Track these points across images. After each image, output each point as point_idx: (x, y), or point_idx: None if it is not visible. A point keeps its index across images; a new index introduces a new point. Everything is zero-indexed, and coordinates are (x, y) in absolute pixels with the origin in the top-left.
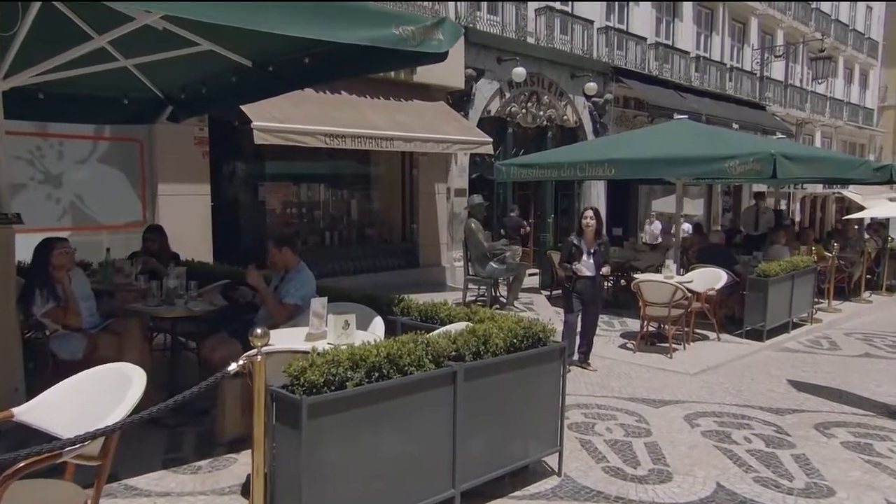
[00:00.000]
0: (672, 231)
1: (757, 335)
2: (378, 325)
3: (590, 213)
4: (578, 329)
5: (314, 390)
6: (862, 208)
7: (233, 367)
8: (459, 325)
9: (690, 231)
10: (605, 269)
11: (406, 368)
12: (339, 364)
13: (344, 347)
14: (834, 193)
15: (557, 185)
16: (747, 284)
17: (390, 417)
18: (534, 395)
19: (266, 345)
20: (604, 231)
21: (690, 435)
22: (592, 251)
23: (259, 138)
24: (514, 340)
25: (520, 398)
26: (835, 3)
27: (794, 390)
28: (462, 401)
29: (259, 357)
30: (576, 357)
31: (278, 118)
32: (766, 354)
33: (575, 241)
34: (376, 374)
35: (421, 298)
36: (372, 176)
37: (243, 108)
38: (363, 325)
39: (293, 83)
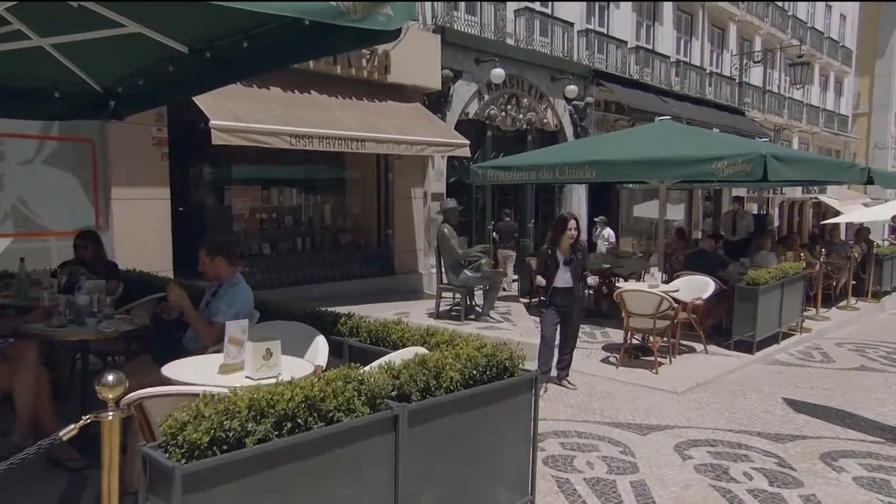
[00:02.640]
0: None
1: (746, 347)
2: (321, 349)
3: (573, 223)
4: (557, 342)
5: (197, 453)
6: (838, 213)
7: (69, 429)
8: (408, 352)
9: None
10: (592, 280)
11: (331, 414)
12: (235, 415)
13: (249, 387)
14: (811, 199)
15: (538, 188)
16: (736, 293)
17: (309, 481)
18: (499, 436)
19: (121, 395)
20: (581, 237)
21: (682, 470)
22: (570, 260)
23: (217, 138)
24: (475, 371)
25: (481, 441)
26: (810, 3)
27: (791, 411)
28: (406, 451)
29: (110, 416)
30: (553, 373)
31: (240, 117)
32: (757, 368)
33: (549, 252)
34: (289, 425)
35: (396, 307)
36: (346, 180)
37: (202, 107)
38: (304, 347)
39: (237, 72)
